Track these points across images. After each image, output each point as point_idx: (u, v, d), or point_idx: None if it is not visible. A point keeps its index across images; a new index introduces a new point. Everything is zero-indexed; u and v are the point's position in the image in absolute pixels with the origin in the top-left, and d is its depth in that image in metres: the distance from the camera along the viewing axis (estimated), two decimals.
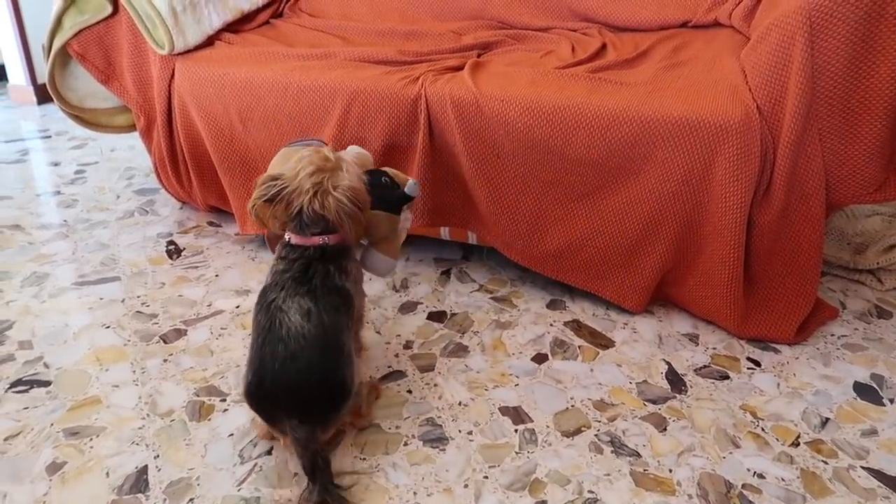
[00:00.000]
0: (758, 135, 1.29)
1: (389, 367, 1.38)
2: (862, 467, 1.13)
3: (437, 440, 1.19)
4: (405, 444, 1.18)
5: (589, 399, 1.29)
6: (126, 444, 1.18)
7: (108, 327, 1.50)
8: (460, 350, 1.43)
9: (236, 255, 1.81)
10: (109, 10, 1.75)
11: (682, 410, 1.26)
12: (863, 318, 1.53)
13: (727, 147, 1.30)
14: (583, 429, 1.21)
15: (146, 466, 1.13)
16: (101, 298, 1.61)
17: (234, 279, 1.69)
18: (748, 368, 1.37)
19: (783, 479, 1.10)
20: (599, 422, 1.23)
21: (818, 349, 1.43)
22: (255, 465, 1.14)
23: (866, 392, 1.31)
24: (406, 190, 1.26)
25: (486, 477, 1.11)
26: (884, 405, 1.27)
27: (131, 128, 2.01)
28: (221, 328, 1.50)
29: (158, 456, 1.15)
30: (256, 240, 1.89)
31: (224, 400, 1.28)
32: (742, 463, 1.14)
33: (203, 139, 1.76)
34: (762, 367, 1.37)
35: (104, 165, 2.44)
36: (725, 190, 1.33)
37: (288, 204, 1.10)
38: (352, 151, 1.36)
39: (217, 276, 1.71)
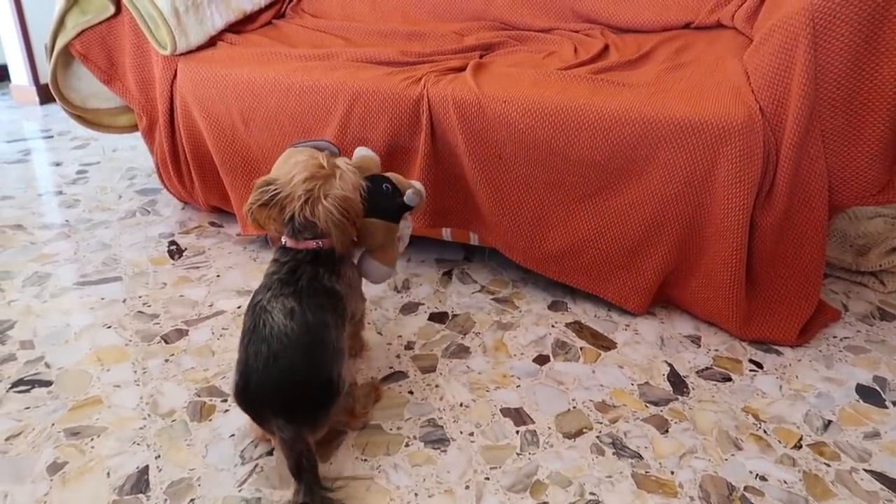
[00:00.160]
0: (761, 136, 1.29)
1: (391, 367, 1.38)
2: (864, 470, 1.13)
3: (438, 441, 1.18)
4: (406, 445, 1.18)
5: (590, 400, 1.28)
6: (127, 445, 1.17)
7: (109, 327, 1.50)
8: (462, 351, 1.42)
9: (238, 256, 1.81)
10: (112, 10, 1.75)
11: (684, 412, 1.25)
12: (865, 321, 1.53)
13: (730, 149, 1.30)
14: (584, 430, 1.21)
15: (147, 467, 1.13)
16: (103, 298, 1.61)
17: (235, 279, 1.69)
18: (750, 370, 1.37)
19: (785, 482, 1.10)
20: (601, 423, 1.22)
21: (820, 351, 1.43)
22: (256, 465, 1.13)
23: (869, 394, 1.30)
24: (405, 199, 1.24)
25: (488, 478, 1.11)
26: (886, 408, 1.27)
27: (133, 128, 2.01)
28: (223, 328, 1.50)
29: (159, 456, 1.15)
30: (258, 240, 1.89)
31: (225, 400, 1.28)
32: (744, 465, 1.13)
33: (205, 139, 1.76)
34: (764, 369, 1.37)
35: (106, 165, 2.44)
36: (728, 192, 1.33)
37: (282, 209, 1.10)
38: (359, 154, 1.35)
39: (218, 276, 1.71)
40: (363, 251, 1.26)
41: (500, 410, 1.26)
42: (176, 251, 1.83)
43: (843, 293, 1.64)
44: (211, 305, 1.58)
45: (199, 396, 1.29)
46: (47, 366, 1.37)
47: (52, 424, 1.22)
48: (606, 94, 1.41)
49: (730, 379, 1.34)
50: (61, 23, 1.76)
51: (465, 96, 1.46)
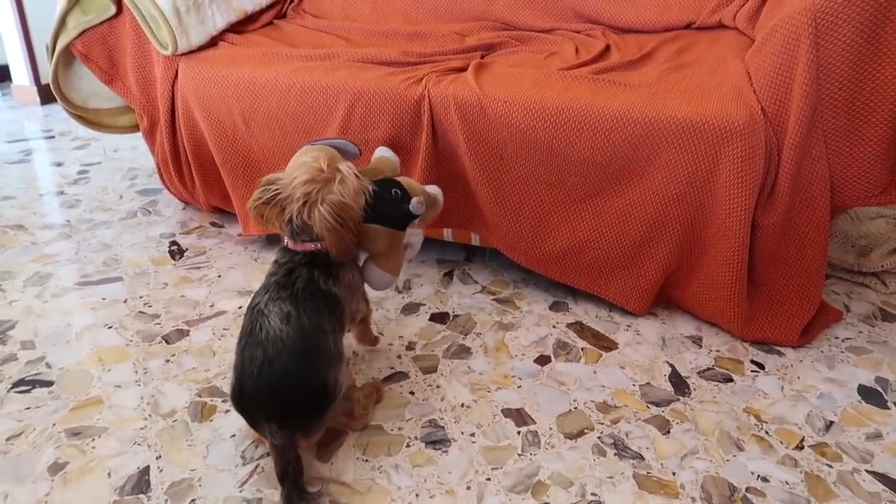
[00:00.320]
0: (762, 137, 1.29)
1: (392, 368, 1.38)
2: (866, 471, 1.13)
3: (439, 442, 1.18)
4: (407, 446, 1.18)
5: (592, 401, 1.28)
6: (128, 445, 1.17)
7: (110, 327, 1.50)
8: (463, 351, 1.42)
9: (239, 256, 1.81)
10: (113, 10, 1.75)
11: (686, 413, 1.25)
12: (867, 321, 1.53)
13: (731, 149, 1.30)
14: (586, 431, 1.21)
15: (148, 467, 1.13)
16: (104, 299, 1.61)
17: (236, 280, 1.69)
18: (752, 371, 1.36)
19: (787, 483, 1.10)
20: (602, 424, 1.22)
21: (822, 352, 1.42)
22: (257, 466, 1.13)
23: (871, 395, 1.30)
24: (410, 207, 1.19)
25: (489, 479, 1.11)
26: (888, 408, 1.27)
27: (134, 128, 2.01)
28: (224, 329, 1.49)
29: (160, 456, 1.15)
30: (259, 240, 1.89)
31: (226, 401, 1.28)
32: (746, 466, 1.13)
33: (206, 140, 1.76)
34: (766, 369, 1.37)
35: (107, 166, 2.44)
36: (730, 192, 1.32)
37: (282, 209, 1.10)
38: (378, 154, 1.33)
39: (219, 276, 1.71)
40: (367, 258, 1.24)
41: (502, 411, 1.26)
42: (177, 251, 1.83)
43: (845, 294, 1.64)
44: (212, 306, 1.58)
45: (199, 397, 1.29)
46: (48, 366, 1.37)
47: (53, 424, 1.22)
48: (608, 95, 1.41)
49: (731, 380, 1.34)
50: (62, 23, 1.76)
51: (466, 96, 1.46)
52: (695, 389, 1.31)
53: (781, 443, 1.18)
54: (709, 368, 1.37)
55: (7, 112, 3.10)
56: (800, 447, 1.17)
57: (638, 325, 1.51)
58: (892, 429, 1.22)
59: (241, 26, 1.97)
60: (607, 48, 1.75)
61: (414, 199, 1.20)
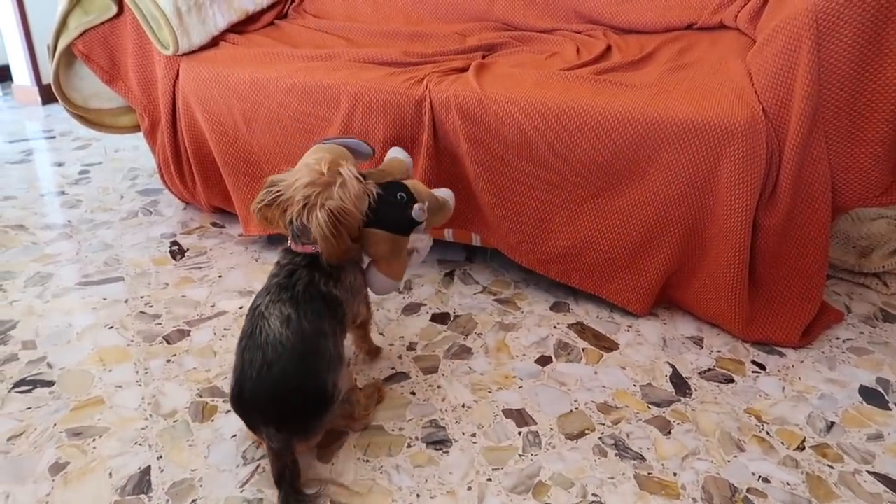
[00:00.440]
0: (764, 137, 1.29)
1: (393, 368, 1.37)
2: (868, 472, 1.12)
3: (440, 442, 1.18)
4: (408, 446, 1.17)
5: (593, 402, 1.28)
6: (129, 445, 1.17)
7: (111, 328, 1.50)
8: (464, 352, 1.42)
9: (240, 256, 1.81)
10: (114, 10, 1.75)
11: (687, 414, 1.25)
12: (868, 322, 1.53)
13: (733, 149, 1.30)
14: (587, 432, 1.21)
15: (149, 467, 1.13)
16: (105, 299, 1.61)
17: (237, 280, 1.69)
18: (753, 372, 1.36)
19: (788, 484, 1.10)
20: (603, 425, 1.22)
21: (823, 353, 1.42)
22: (258, 466, 1.13)
23: (872, 396, 1.30)
24: (412, 213, 1.16)
25: (490, 479, 1.11)
26: (890, 409, 1.27)
27: (135, 128, 2.01)
28: (225, 329, 1.49)
29: (161, 457, 1.15)
30: (260, 241, 1.89)
31: (227, 401, 1.28)
32: (747, 467, 1.13)
33: (207, 140, 1.76)
34: (767, 370, 1.37)
35: (108, 166, 2.44)
36: (731, 192, 1.32)
37: (284, 211, 1.10)
38: (390, 155, 1.31)
39: (220, 276, 1.71)
40: (370, 262, 1.22)
41: (502, 411, 1.26)
42: (178, 251, 1.83)
43: (846, 295, 1.64)
44: (213, 306, 1.58)
45: (200, 397, 1.29)
46: (49, 366, 1.37)
47: (54, 425, 1.22)
48: (609, 95, 1.41)
49: (732, 380, 1.34)
50: (64, 23, 1.76)
51: (467, 97, 1.46)
52: (696, 390, 1.31)
53: (782, 443, 1.18)
54: (710, 369, 1.37)
55: (8, 112, 3.10)
56: (801, 448, 1.17)
57: (639, 326, 1.51)
58: (893, 430, 1.22)
59: (242, 26, 1.97)
60: (608, 49, 1.75)
61: (416, 206, 1.17)
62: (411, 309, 1.58)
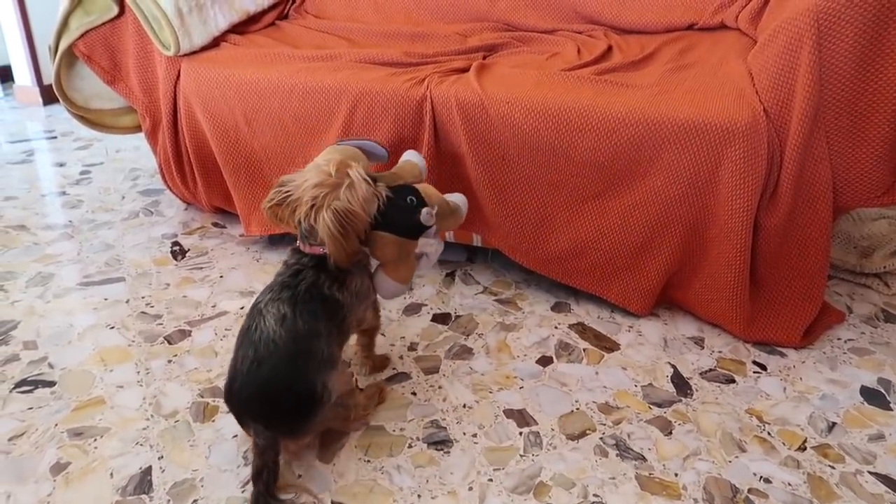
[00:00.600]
0: (765, 137, 1.29)
1: (394, 368, 1.37)
2: (869, 472, 1.12)
3: (441, 442, 1.18)
4: (409, 447, 1.17)
5: (594, 402, 1.28)
6: (130, 445, 1.17)
7: (112, 328, 1.50)
8: (465, 352, 1.42)
9: (241, 257, 1.81)
10: (116, 11, 1.75)
11: (688, 414, 1.25)
12: (869, 322, 1.53)
13: (734, 150, 1.30)
14: (588, 432, 1.21)
15: (150, 467, 1.13)
16: (106, 299, 1.61)
17: (238, 280, 1.69)
18: (754, 372, 1.36)
19: (790, 484, 1.10)
20: (604, 425, 1.22)
21: (825, 353, 1.42)
22: None
23: (873, 396, 1.30)
24: (420, 218, 1.15)
25: (491, 480, 1.11)
26: (891, 410, 1.26)
27: (137, 129, 2.01)
28: (226, 329, 1.50)
29: (162, 457, 1.15)
30: (261, 241, 1.89)
31: None
32: (748, 467, 1.13)
33: (208, 140, 1.76)
34: (768, 370, 1.37)
35: (109, 166, 2.44)
36: (732, 193, 1.32)
37: (293, 211, 1.10)
38: (404, 158, 1.31)
39: (221, 277, 1.71)
40: (377, 265, 1.21)
41: (504, 412, 1.26)
42: (179, 252, 1.83)
43: (847, 295, 1.63)
44: (214, 306, 1.58)
45: (202, 397, 1.29)
46: (50, 366, 1.37)
47: (56, 425, 1.22)
48: (610, 95, 1.41)
49: (733, 381, 1.34)
50: (65, 24, 1.77)
51: (468, 97, 1.46)
52: (697, 390, 1.31)
53: (784, 444, 1.18)
54: (711, 369, 1.37)
55: (9, 112, 3.11)
56: (802, 448, 1.17)
57: (640, 326, 1.51)
58: (894, 430, 1.21)
59: (243, 27, 1.97)
60: (609, 49, 1.75)
61: (424, 210, 1.16)
62: (412, 309, 1.58)
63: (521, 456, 1.15)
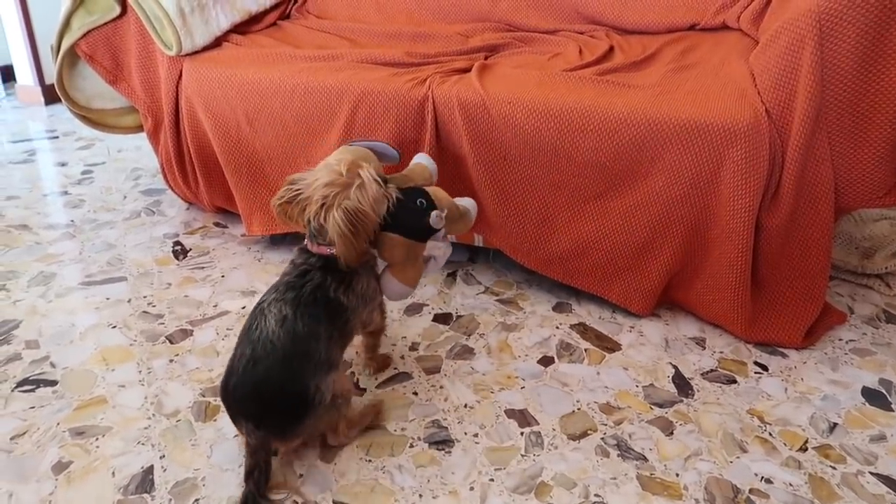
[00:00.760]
0: (766, 138, 1.29)
1: (395, 368, 1.38)
2: (870, 473, 1.12)
3: (442, 442, 1.18)
4: (411, 446, 1.18)
5: (595, 402, 1.28)
6: (132, 444, 1.18)
7: (114, 327, 1.50)
8: (466, 352, 1.42)
9: (242, 256, 1.81)
10: (118, 10, 1.75)
11: (689, 414, 1.25)
12: (871, 323, 1.52)
13: (735, 150, 1.30)
14: (589, 432, 1.21)
15: (152, 466, 1.13)
16: (108, 298, 1.61)
17: (240, 280, 1.69)
18: (755, 373, 1.36)
19: (791, 484, 1.10)
20: (606, 425, 1.22)
21: (826, 354, 1.42)
22: None
23: (875, 397, 1.30)
24: (430, 220, 1.15)
25: (492, 480, 1.11)
26: (892, 410, 1.26)
27: (138, 128, 2.01)
28: (227, 329, 1.50)
29: (164, 456, 1.15)
30: (262, 241, 1.89)
31: None
32: (749, 467, 1.13)
33: (210, 140, 1.77)
34: (769, 371, 1.37)
35: (111, 166, 2.44)
36: (733, 193, 1.32)
37: (303, 210, 1.09)
38: (415, 161, 1.30)
39: (223, 276, 1.71)
40: (385, 267, 1.21)
41: (505, 412, 1.26)
42: (180, 251, 1.84)
43: (849, 296, 1.63)
44: (215, 306, 1.58)
45: (203, 396, 1.29)
46: (52, 365, 1.38)
47: (57, 424, 1.22)
48: (612, 96, 1.41)
49: (735, 381, 1.34)
50: (67, 23, 1.77)
51: (470, 97, 1.46)
52: (698, 391, 1.31)
53: (785, 444, 1.18)
54: (712, 370, 1.37)
55: (11, 112, 3.11)
56: (803, 449, 1.17)
57: (641, 327, 1.51)
58: (895, 431, 1.21)
59: (245, 27, 1.97)
60: (611, 49, 1.75)
61: (433, 213, 1.15)
62: (414, 309, 1.58)
63: (523, 456, 1.15)
